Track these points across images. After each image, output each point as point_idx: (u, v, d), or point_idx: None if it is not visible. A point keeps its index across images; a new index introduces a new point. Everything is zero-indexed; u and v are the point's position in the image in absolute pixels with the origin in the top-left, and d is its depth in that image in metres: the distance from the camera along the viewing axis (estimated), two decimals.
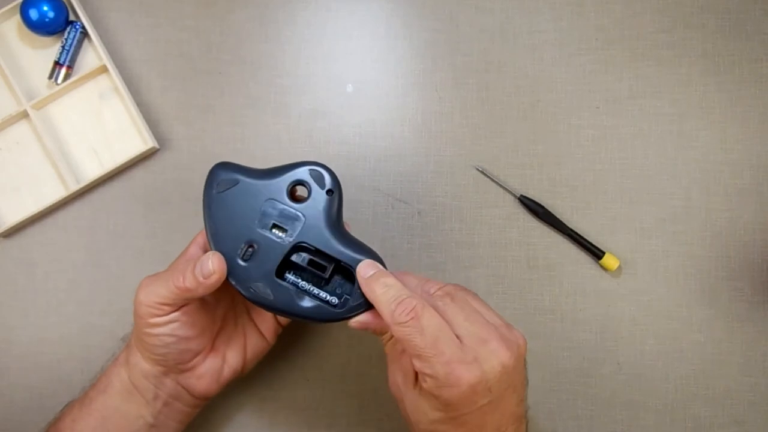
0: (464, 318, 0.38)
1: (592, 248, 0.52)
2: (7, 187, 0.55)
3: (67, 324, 0.54)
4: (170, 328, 0.41)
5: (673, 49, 0.55)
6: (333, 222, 0.42)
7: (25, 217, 0.53)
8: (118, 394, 0.43)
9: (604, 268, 0.53)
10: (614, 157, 0.54)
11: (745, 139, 0.54)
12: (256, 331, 0.47)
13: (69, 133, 0.55)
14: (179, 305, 0.41)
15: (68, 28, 0.54)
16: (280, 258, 0.41)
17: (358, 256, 0.41)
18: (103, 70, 0.55)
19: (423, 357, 0.36)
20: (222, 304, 0.46)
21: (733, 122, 0.54)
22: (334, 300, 0.41)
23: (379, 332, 0.42)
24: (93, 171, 0.54)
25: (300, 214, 0.42)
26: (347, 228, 0.44)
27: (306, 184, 0.42)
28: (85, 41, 0.56)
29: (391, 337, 0.42)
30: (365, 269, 0.40)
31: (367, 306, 0.41)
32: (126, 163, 0.54)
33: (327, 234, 0.41)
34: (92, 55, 0.56)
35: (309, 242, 0.41)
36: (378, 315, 0.39)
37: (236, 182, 0.42)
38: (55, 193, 0.54)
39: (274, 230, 0.42)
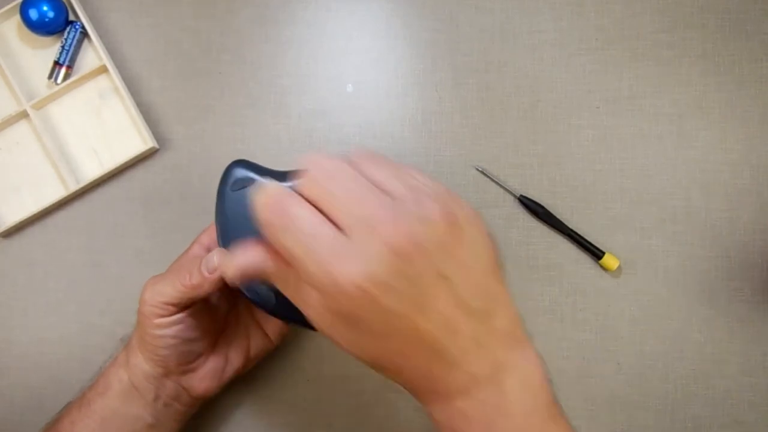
0: (348, 196, 0.29)
1: (592, 248, 0.52)
2: (7, 187, 0.55)
3: (67, 324, 0.54)
4: (174, 330, 0.41)
5: (673, 49, 0.55)
6: None
7: (25, 217, 0.53)
8: (117, 395, 0.43)
9: (604, 268, 0.53)
10: (614, 157, 0.54)
11: (745, 139, 0.54)
12: (260, 332, 0.47)
13: (69, 133, 0.55)
14: (184, 305, 0.41)
15: (68, 28, 0.54)
16: None
17: None
18: (103, 70, 0.55)
19: (297, 261, 0.29)
20: (225, 305, 0.46)
21: (733, 122, 0.54)
22: None
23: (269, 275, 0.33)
24: (93, 171, 0.54)
25: None
26: None
27: None
28: (85, 41, 0.56)
29: None
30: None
31: None
32: (126, 163, 0.54)
33: None
34: (92, 55, 0.56)
35: None
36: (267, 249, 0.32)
37: (251, 181, 0.41)
38: (55, 193, 0.54)
39: None
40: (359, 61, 0.56)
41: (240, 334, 0.46)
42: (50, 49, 0.55)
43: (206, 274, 0.39)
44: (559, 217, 0.53)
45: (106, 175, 0.54)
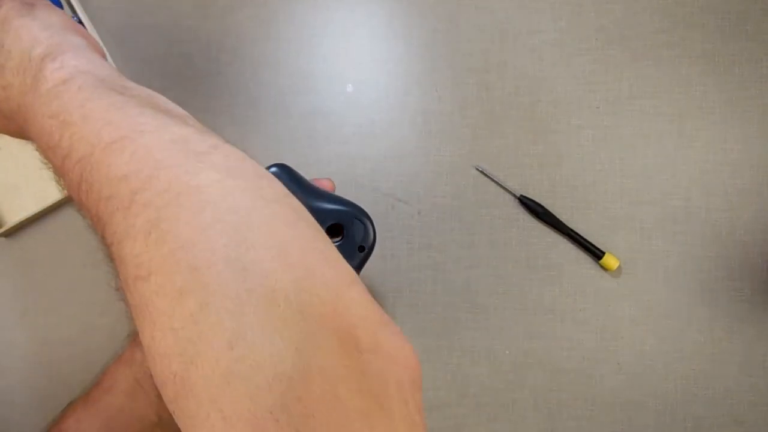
0: None
1: (592, 248, 0.52)
2: (8, 186, 0.55)
3: (67, 324, 0.54)
4: None
5: (673, 49, 0.55)
6: None
7: (25, 217, 0.53)
8: (123, 393, 0.43)
9: (604, 268, 0.53)
10: (614, 157, 0.54)
11: (745, 139, 0.54)
12: None
13: None
14: None
15: None
16: None
17: None
18: None
19: None
20: None
21: (733, 122, 0.54)
22: None
23: None
24: None
25: None
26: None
27: (344, 229, 0.40)
28: None
29: None
30: None
31: None
32: None
33: None
34: None
35: None
36: None
37: None
38: (56, 192, 0.54)
39: None
40: (359, 61, 0.56)
41: None
42: None
43: None
44: (559, 217, 0.53)
45: None
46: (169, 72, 0.56)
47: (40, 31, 0.32)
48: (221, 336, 0.20)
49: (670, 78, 0.55)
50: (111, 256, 0.25)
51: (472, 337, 0.53)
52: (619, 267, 0.53)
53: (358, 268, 0.41)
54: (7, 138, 0.55)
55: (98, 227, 0.26)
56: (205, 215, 0.22)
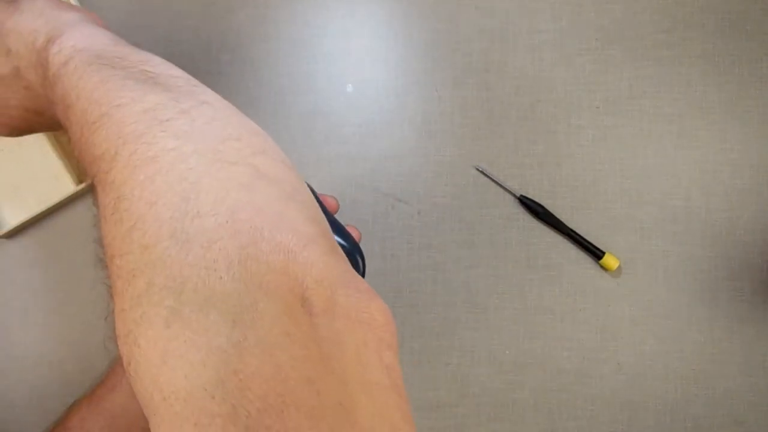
0: None
1: (592, 248, 0.52)
2: (9, 187, 0.55)
3: (67, 324, 0.54)
4: None
5: (673, 49, 0.55)
6: None
7: (27, 218, 0.53)
8: (126, 392, 0.43)
9: (604, 268, 0.53)
10: (614, 157, 0.54)
11: (745, 139, 0.54)
12: None
13: None
14: None
15: None
16: None
17: None
18: None
19: None
20: None
21: (733, 122, 0.54)
22: None
23: None
24: None
25: None
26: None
27: None
28: None
29: None
30: None
31: None
32: None
33: None
34: None
35: None
36: None
37: None
38: (57, 193, 0.54)
39: None
40: (359, 61, 0.56)
41: None
42: None
43: None
44: (559, 217, 0.53)
45: None
46: None
47: (33, 22, 0.31)
48: (159, 315, 0.20)
49: (670, 78, 0.55)
50: None
51: (472, 337, 0.53)
52: (619, 267, 0.53)
53: None
54: (7, 139, 0.55)
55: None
56: (155, 186, 0.22)
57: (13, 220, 0.54)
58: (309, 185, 0.41)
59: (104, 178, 0.23)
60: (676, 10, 0.55)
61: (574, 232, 0.53)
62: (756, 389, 0.52)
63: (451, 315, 0.53)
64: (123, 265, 0.21)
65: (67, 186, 0.54)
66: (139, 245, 0.21)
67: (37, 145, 0.55)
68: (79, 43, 0.29)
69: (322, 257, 0.22)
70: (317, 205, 0.26)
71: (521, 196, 0.53)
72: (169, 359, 0.19)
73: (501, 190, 0.54)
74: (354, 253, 0.40)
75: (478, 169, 0.54)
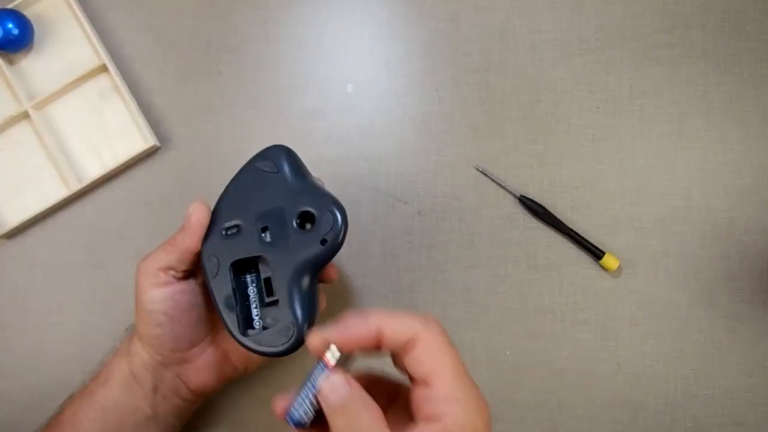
0: None
1: (592, 248, 0.52)
2: (9, 187, 0.55)
3: (67, 324, 0.54)
4: (165, 306, 0.42)
5: (673, 49, 0.55)
6: (305, 271, 0.41)
7: (27, 218, 0.53)
8: (118, 385, 0.44)
9: (604, 268, 0.53)
10: (614, 157, 0.54)
11: (745, 139, 0.54)
12: None
13: (70, 132, 0.55)
14: (177, 271, 0.42)
15: None
16: (245, 255, 0.41)
17: (298, 314, 0.40)
18: (103, 69, 0.55)
19: None
20: None
21: (733, 122, 0.54)
22: (257, 323, 0.41)
23: None
24: (94, 170, 0.54)
25: (289, 240, 0.41)
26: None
27: (314, 220, 0.41)
28: (84, 40, 0.56)
29: None
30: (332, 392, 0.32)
31: (274, 353, 0.40)
32: (127, 162, 0.54)
33: (291, 278, 0.40)
34: (92, 54, 0.56)
35: (272, 267, 0.41)
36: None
37: (276, 170, 0.42)
38: (57, 193, 0.54)
39: (263, 231, 0.42)
40: (359, 61, 0.56)
41: None
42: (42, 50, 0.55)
43: (185, 225, 0.41)
44: (559, 217, 0.53)
45: (107, 174, 0.54)
46: (169, 72, 0.56)
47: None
48: None
49: (670, 78, 0.55)
50: None
51: (472, 337, 0.53)
52: (619, 267, 0.53)
53: (316, 262, 0.41)
54: (8, 138, 0.55)
55: None
56: None
57: (13, 220, 0.54)
58: (294, 151, 0.42)
59: None
60: (676, 10, 0.55)
61: (574, 232, 0.53)
62: (756, 389, 0.52)
63: (451, 315, 0.53)
64: None
65: (67, 186, 0.54)
66: None
67: (38, 144, 0.55)
68: None
69: None
70: None
71: (521, 196, 0.53)
72: None
73: (501, 190, 0.54)
74: (329, 204, 0.41)
75: (478, 169, 0.54)
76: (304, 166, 0.44)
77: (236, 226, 0.42)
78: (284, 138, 0.55)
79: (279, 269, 0.41)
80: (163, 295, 0.42)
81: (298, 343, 0.39)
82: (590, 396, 0.52)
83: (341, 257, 0.50)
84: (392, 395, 0.35)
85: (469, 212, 0.54)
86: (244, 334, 0.41)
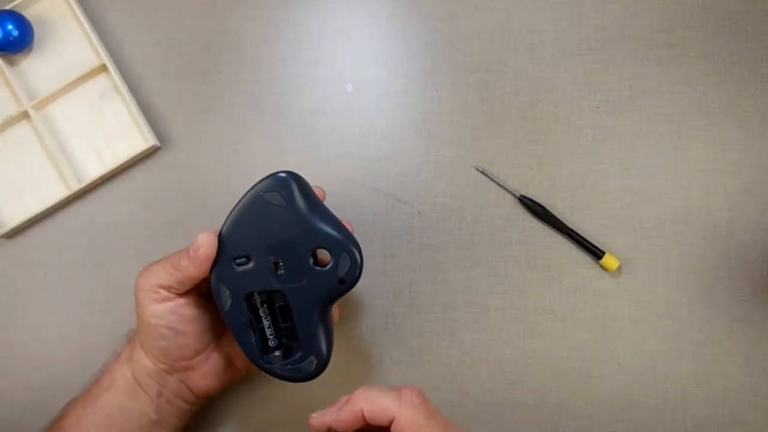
0: None
1: (592, 248, 0.52)
2: (9, 187, 0.55)
3: (67, 324, 0.54)
4: (168, 320, 0.42)
5: (673, 49, 0.55)
6: (322, 306, 0.42)
7: (27, 218, 0.53)
8: (122, 391, 0.44)
9: (604, 268, 0.53)
10: (614, 157, 0.54)
11: (745, 139, 0.54)
12: None
13: (70, 132, 0.55)
14: (177, 290, 0.42)
15: None
16: (261, 289, 0.41)
17: (323, 347, 0.42)
18: (103, 69, 0.55)
19: None
20: None
21: (733, 122, 0.54)
22: (272, 342, 0.42)
23: None
24: (94, 170, 0.54)
25: (305, 276, 0.41)
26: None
27: (332, 255, 0.41)
28: (85, 40, 0.56)
29: None
30: None
31: (300, 380, 0.42)
32: (127, 161, 0.54)
33: (309, 311, 0.41)
34: (92, 54, 0.56)
35: (289, 300, 0.41)
36: None
37: (285, 204, 0.41)
38: (57, 193, 0.54)
39: (274, 264, 0.41)
40: (359, 61, 0.56)
41: None
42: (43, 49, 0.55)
43: (191, 254, 0.40)
44: (559, 217, 0.53)
45: (107, 174, 0.54)
46: (169, 72, 0.56)
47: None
48: None
49: (670, 78, 0.55)
50: None
51: (472, 337, 0.53)
52: (619, 267, 0.53)
53: (333, 299, 0.42)
54: (8, 138, 0.55)
55: None
56: None
57: (13, 220, 0.54)
58: (301, 176, 0.42)
59: None
60: (676, 10, 0.55)
61: (574, 232, 0.53)
62: (756, 389, 0.52)
63: (451, 315, 0.53)
64: None
65: (67, 186, 0.54)
66: None
67: (38, 144, 0.55)
68: None
69: None
70: None
71: (521, 196, 0.53)
72: None
73: (501, 190, 0.54)
74: (348, 245, 0.41)
75: (478, 169, 0.54)
76: (313, 194, 0.43)
77: (246, 256, 0.41)
78: (284, 138, 0.55)
79: (296, 303, 0.41)
80: (166, 310, 0.42)
81: (322, 371, 0.43)
82: (590, 396, 0.52)
83: None
84: None
85: (469, 212, 0.54)
86: (264, 360, 0.42)
